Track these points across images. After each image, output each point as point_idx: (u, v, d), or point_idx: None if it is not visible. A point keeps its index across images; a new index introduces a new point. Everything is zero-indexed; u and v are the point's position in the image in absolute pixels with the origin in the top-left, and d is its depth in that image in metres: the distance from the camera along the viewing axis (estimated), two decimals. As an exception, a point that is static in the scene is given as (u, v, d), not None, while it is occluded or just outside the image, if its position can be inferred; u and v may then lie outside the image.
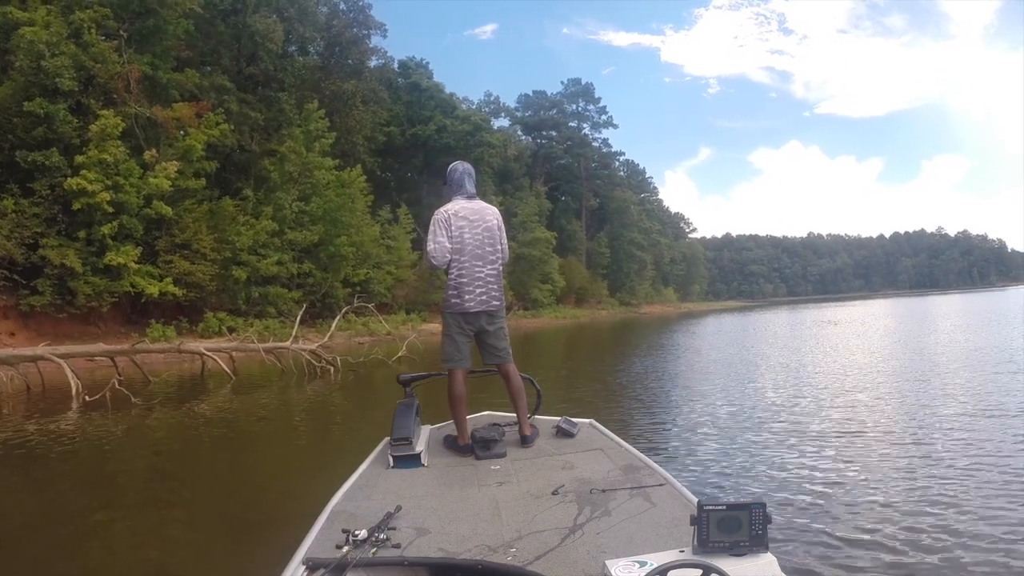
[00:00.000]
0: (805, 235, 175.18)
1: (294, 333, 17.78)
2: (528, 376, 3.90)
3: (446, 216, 3.62)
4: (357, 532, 2.19)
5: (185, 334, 22.93)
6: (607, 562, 1.86)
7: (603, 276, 68.95)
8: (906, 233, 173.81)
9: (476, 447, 3.39)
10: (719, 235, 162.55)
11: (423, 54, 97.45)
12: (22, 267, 20.55)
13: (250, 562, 3.92)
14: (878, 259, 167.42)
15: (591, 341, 32.00)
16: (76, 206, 21.19)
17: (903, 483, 5.28)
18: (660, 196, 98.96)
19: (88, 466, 7.42)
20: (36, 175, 21.30)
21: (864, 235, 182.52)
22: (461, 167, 3.80)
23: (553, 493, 2.69)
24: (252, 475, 6.91)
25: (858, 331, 25.77)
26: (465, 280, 3.60)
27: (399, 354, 17.55)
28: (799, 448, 6.65)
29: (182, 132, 25.58)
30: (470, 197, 3.73)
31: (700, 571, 1.68)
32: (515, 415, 3.65)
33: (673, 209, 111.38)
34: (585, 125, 74.37)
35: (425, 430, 3.71)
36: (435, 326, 24.10)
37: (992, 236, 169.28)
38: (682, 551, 1.87)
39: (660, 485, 2.66)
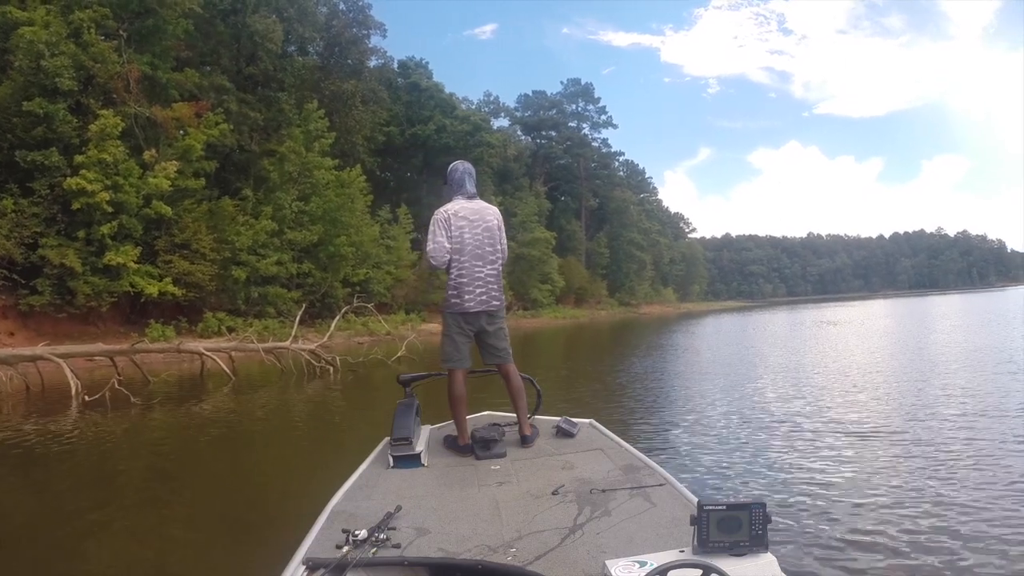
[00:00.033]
0: (804, 235, 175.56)
1: (293, 333, 17.77)
2: (528, 376, 3.89)
3: (446, 216, 3.62)
4: (357, 532, 2.18)
5: (184, 334, 22.92)
6: (607, 562, 1.86)
7: (602, 276, 68.97)
8: (905, 233, 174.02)
9: (476, 447, 3.38)
10: (718, 235, 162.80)
11: (423, 54, 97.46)
12: (21, 267, 20.54)
13: (250, 562, 3.92)
14: (877, 259, 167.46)
15: (591, 341, 32.00)
16: (75, 206, 21.18)
17: (903, 483, 5.28)
18: (659, 196, 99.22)
19: (87, 466, 7.42)
20: (35, 175, 21.29)
21: (863, 235, 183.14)
22: (462, 167, 3.79)
23: (553, 493, 2.69)
24: (252, 475, 6.91)
25: (857, 331, 25.79)
26: (465, 280, 3.60)
27: (398, 354, 17.55)
28: (799, 448, 6.65)
29: (181, 132, 25.58)
30: (470, 197, 3.72)
31: (700, 571, 1.68)
32: (515, 415, 3.65)
33: (673, 209, 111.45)
34: (585, 125, 74.50)
35: (425, 430, 3.71)
36: (434, 326, 24.09)
37: (992, 236, 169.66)
38: (682, 551, 1.87)
39: (660, 485, 2.66)
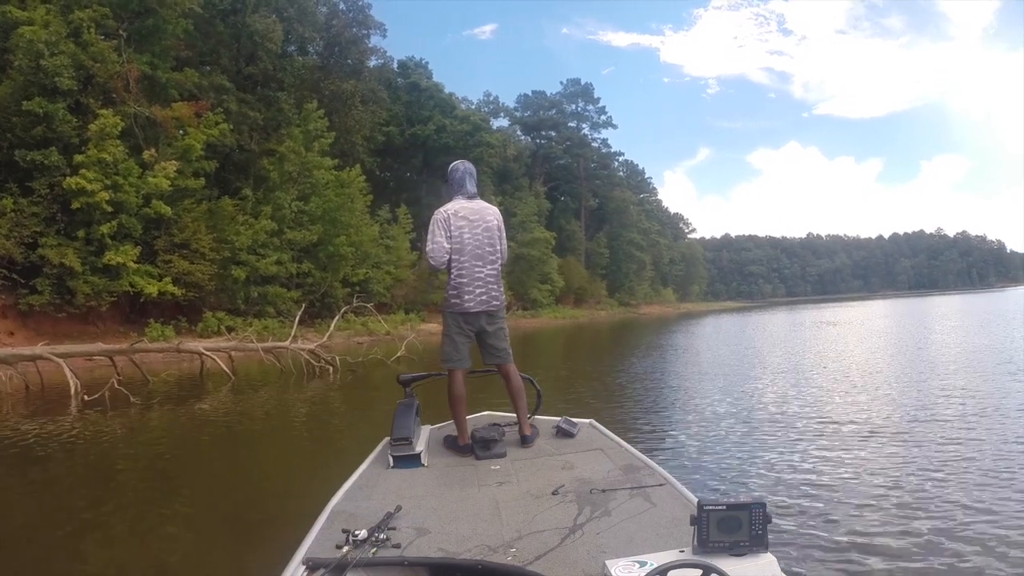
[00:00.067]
0: (804, 236, 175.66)
1: (293, 333, 17.77)
2: (528, 376, 3.90)
3: (445, 216, 3.61)
4: (357, 532, 2.19)
5: (184, 334, 22.92)
6: (607, 562, 1.86)
7: (602, 276, 68.96)
8: (905, 234, 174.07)
9: (476, 447, 3.38)
10: (718, 235, 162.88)
11: (423, 54, 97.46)
12: (21, 266, 20.51)
13: (250, 562, 3.93)
14: (877, 260, 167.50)
15: (590, 341, 32.00)
16: (75, 205, 21.16)
17: (903, 484, 5.28)
18: (659, 196, 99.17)
19: (86, 465, 7.42)
20: (35, 174, 21.26)
21: (863, 236, 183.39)
22: (462, 167, 3.78)
23: (553, 493, 2.69)
24: (252, 475, 6.91)
25: (857, 332, 25.80)
26: (465, 280, 3.59)
27: (398, 354, 17.55)
28: (799, 448, 6.66)
29: (181, 132, 25.56)
30: (471, 197, 3.71)
31: (700, 571, 1.68)
32: (515, 415, 3.65)
33: (672, 209, 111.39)
34: (584, 125, 74.49)
35: (425, 430, 3.71)
36: (434, 326, 24.09)
37: (991, 237, 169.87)
38: (682, 551, 1.87)
39: (660, 485, 2.67)
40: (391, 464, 3.20)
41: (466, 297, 3.59)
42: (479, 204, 3.73)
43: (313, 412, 11.22)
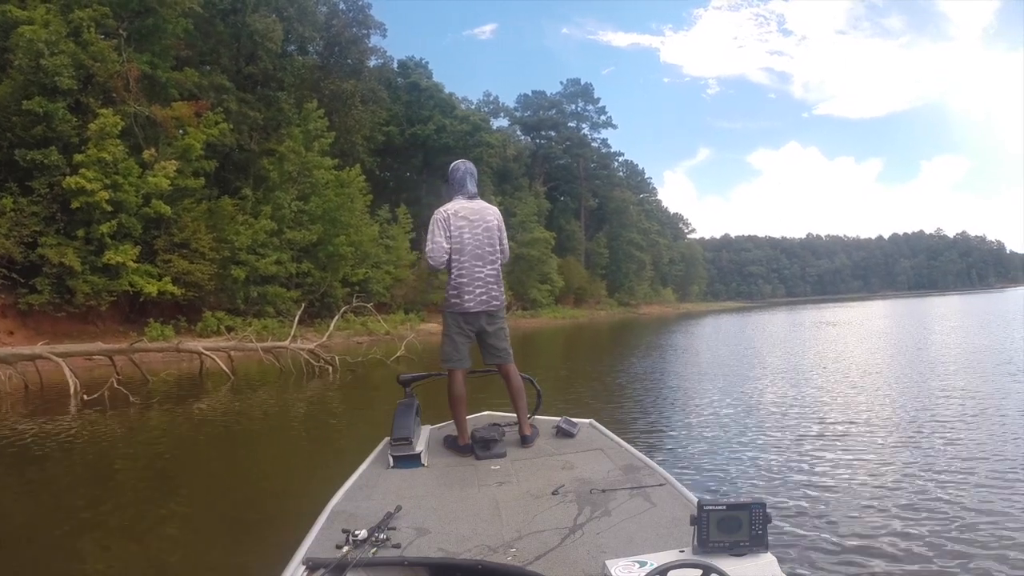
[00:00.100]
0: (804, 236, 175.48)
1: (292, 332, 17.77)
2: (528, 376, 3.89)
3: (445, 216, 3.60)
4: (357, 532, 2.18)
5: (183, 333, 22.92)
6: (607, 562, 1.86)
7: (602, 276, 68.96)
8: (905, 234, 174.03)
9: (476, 447, 3.38)
10: (718, 236, 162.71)
11: (423, 54, 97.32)
12: (21, 265, 20.52)
13: (250, 562, 3.93)
14: (877, 260, 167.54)
15: (590, 341, 32.01)
16: (75, 205, 21.16)
17: (903, 484, 5.29)
18: (659, 196, 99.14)
19: (85, 465, 7.41)
20: (35, 173, 21.27)
21: (863, 236, 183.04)
22: (463, 166, 3.78)
23: (553, 493, 2.69)
24: (252, 475, 6.90)
25: (857, 332, 25.80)
26: (465, 280, 3.59)
27: (397, 354, 17.55)
28: (799, 449, 6.66)
29: (181, 131, 25.56)
30: (471, 197, 3.71)
31: (700, 571, 1.68)
32: (515, 415, 3.65)
33: (672, 209, 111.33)
34: (584, 125, 74.48)
35: (425, 430, 3.71)
36: (434, 326, 24.09)
37: (991, 237, 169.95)
38: (682, 551, 1.87)
39: (660, 485, 2.66)
40: (391, 464, 3.19)
41: (466, 297, 3.59)
42: (479, 204, 3.72)
43: (313, 412, 11.22)
